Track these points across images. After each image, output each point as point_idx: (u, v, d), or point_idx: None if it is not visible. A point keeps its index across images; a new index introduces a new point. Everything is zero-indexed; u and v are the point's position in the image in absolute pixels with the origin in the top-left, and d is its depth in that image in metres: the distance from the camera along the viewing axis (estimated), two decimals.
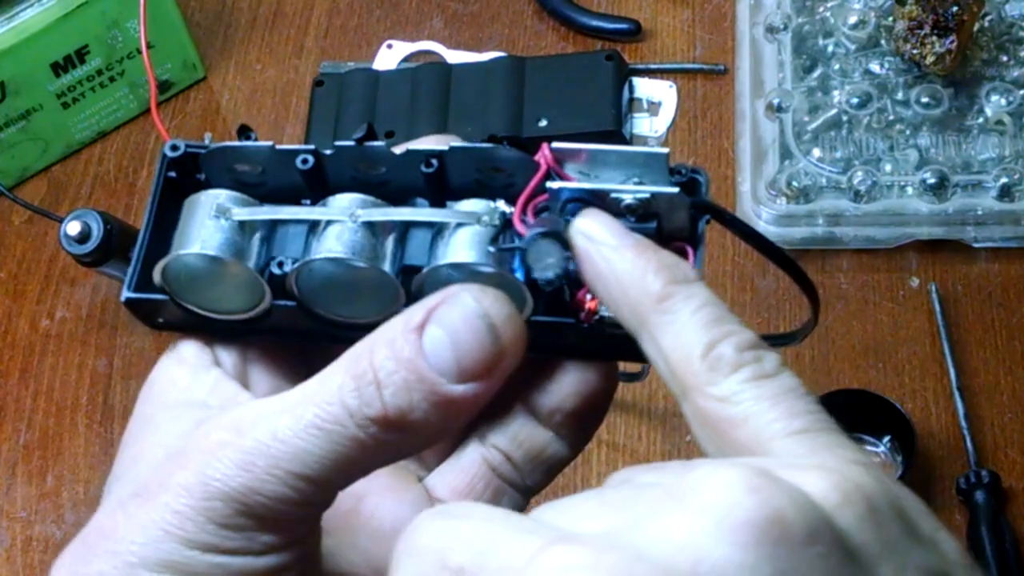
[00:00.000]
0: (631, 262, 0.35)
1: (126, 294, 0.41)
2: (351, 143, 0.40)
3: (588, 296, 0.38)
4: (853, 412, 0.72)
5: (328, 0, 0.96)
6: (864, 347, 0.76)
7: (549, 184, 0.38)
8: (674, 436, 0.74)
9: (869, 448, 0.73)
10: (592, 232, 0.36)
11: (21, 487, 0.78)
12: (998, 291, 0.78)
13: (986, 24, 0.84)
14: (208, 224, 0.40)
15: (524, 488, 0.43)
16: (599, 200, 0.38)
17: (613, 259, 0.36)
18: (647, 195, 0.38)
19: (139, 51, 0.85)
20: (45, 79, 0.85)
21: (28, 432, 0.80)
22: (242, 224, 0.40)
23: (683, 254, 0.38)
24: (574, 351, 0.39)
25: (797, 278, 0.41)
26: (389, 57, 0.92)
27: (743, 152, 0.82)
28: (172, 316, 0.41)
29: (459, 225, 0.39)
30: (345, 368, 0.35)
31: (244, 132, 0.42)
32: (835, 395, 0.72)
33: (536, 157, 0.39)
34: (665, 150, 0.39)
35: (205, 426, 0.35)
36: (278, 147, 0.40)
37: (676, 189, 0.38)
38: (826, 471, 0.29)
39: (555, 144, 0.38)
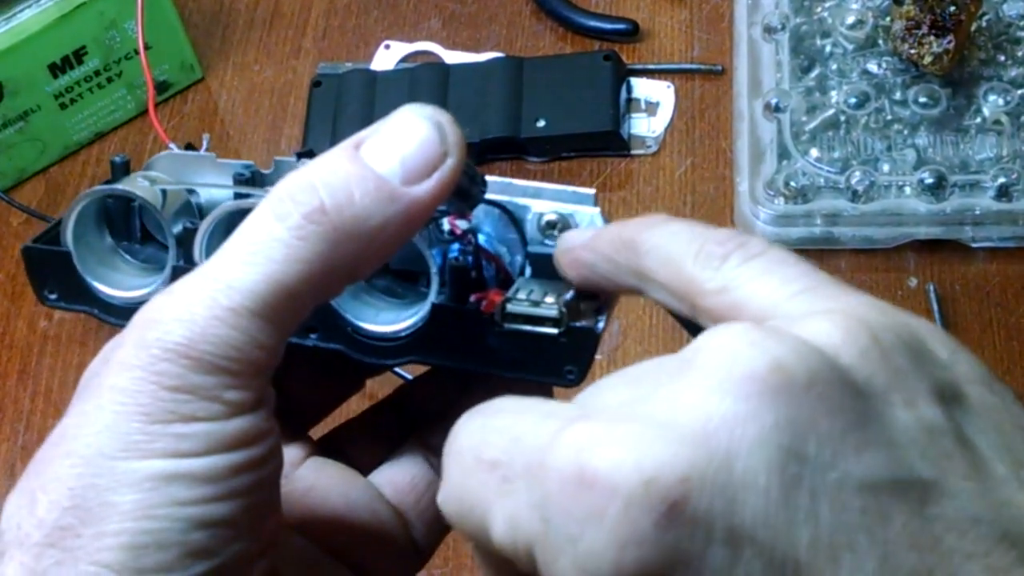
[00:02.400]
0: (606, 234, 0.36)
1: (27, 245, 0.41)
2: (291, 158, 0.40)
3: (492, 292, 0.39)
4: None
5: (326, 1, 0.96)
6: None
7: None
8: None
9: None
10: (568, 239, 0.38)
11: None
12: (996, 291, 0.78)
13: (983, 24, 0.84)
14: (137, 179, 0.41)
15: None
16: (520, 213, 0.39)
17: (592, 244, 0.36)
18: (569, 212, 0.39)
19: (137, 52, 0.85)
20: (43, 80, 0.85)
21: (27, 433, 0.80)
22: (165, 196, 0.41)
23: (595, 296, 0.39)
24: (494, 359, 0.39)
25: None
26: (387, 58, 0.92)
27: (741, 152, 0.82)
28: (65, 287, 0.41)
29: None
30: (268, 198, 0.34)
31: (189, 148, 0.44)
32: None
33: None
34: (591, 190, 0.40)
35: None
36: (217, 160, 0.41)
37: (596, 209, 0.39)
38: (828, 314, 0.29)
39: (489, 177, 0.39)
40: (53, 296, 0.41)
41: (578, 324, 0.38)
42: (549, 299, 0.37)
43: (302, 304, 0.34)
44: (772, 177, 0.80)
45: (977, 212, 0.78)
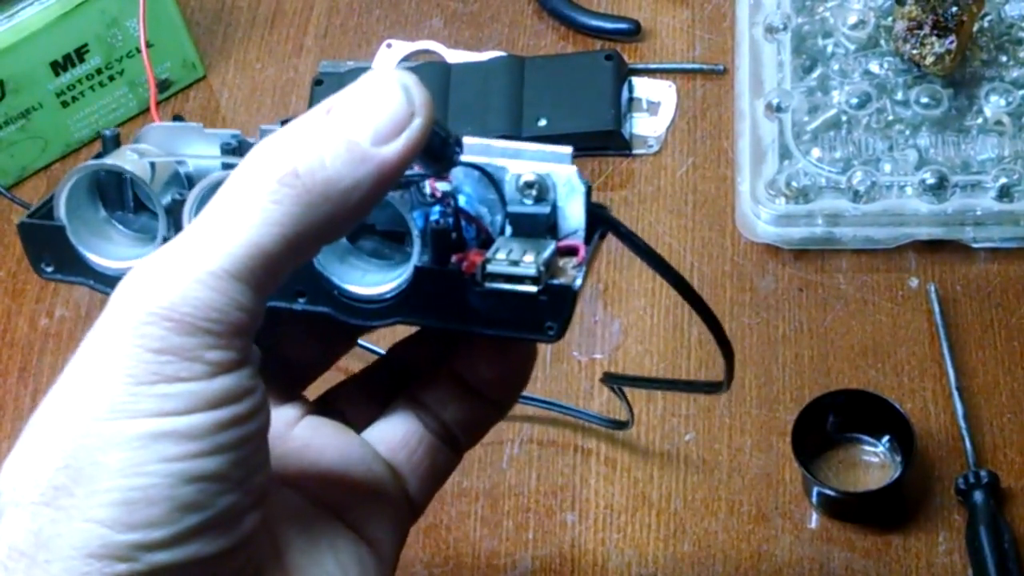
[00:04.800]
0: None
1: (23, 219, 0.42)
2: (276, 126, 0.41)
3: (472, 253, 0.39)
4: (852, 412, 0.72)
5: None
6: (863, 347, 0.76)
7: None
8: (673, 436, 0.74)
9: (868, 448, 0.73)
10: None
11: None
12: (997, 291, 0.78)
13: (985, 24, 0.84)
14: (126, 153, 0.42)
15: (456, 446, 0.44)
16: (498, 174, 0.40)
17: None
18: (546, 172, 0.40)
19: (138, 50, 0.85)
20: (45, 78, 0.85)
21: None
22: (154, 168, 0.41)
23: (574, 252, 0.40)
24: (477, 318, 0.39)
25: (704, 316, 0.42)
26: (388, 56, 0.92)
27: (742, 152, 0.82)
28: (61, 259, 0.42)
29: None
30: (242, 163, 0.35)
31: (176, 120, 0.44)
32: (834, 395, 0.72)
33: None
34: (568, 149, 0.40)
35: None
36: (205, 130, 0.42)
37: (573, 168, 0.40)
38: None
39: (467, 139, 0.40)
40: (49, 269, 0.42)
41: (556, 282, 0.39)
42: (528, 258, 0.38)
43: (280, 265, 0.35)
44: (773, 177, 0.80)
45: (978, 212, 0.78)
